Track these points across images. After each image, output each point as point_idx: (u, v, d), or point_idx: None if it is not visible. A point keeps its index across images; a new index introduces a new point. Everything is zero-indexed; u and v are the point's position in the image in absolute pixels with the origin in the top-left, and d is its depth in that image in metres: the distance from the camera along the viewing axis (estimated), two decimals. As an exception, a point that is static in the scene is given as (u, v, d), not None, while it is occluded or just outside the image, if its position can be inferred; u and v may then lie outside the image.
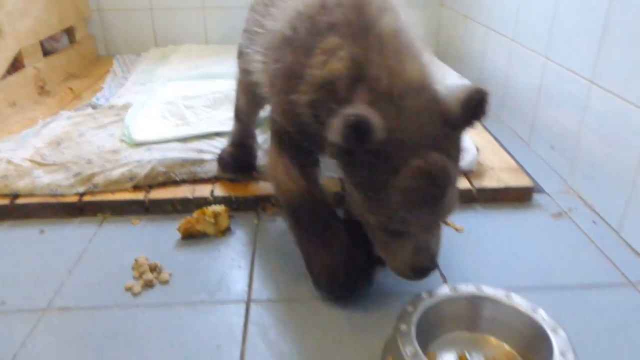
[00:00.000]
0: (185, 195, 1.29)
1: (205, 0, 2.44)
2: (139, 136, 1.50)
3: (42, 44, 2.01)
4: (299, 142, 0.91)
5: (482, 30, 1.96)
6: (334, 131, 0.75)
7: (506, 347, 0.85)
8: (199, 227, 1.18)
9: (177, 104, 1.73)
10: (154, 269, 1.06)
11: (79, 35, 2.33)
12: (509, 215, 1.25)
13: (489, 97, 0.79)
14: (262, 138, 1.46)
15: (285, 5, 0.96)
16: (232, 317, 0.95)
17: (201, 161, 1.38)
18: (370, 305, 0.96)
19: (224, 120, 1.59)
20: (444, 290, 0.87)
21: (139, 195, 1.29)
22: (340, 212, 1.02)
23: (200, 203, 1.25)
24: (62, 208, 1.27)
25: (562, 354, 0.75)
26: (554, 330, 0.78)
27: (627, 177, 1.13)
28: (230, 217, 1.22)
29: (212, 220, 1.18)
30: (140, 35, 2.49)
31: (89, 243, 1.16)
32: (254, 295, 1.00)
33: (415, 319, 0.81)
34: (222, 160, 1.36)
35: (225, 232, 1.20)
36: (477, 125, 1.62)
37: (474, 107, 0.79)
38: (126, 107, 1.75)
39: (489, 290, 0.87)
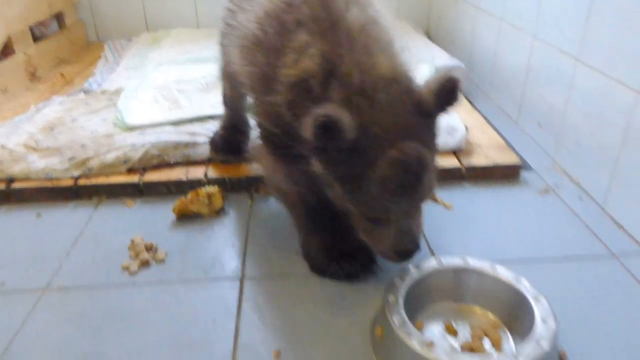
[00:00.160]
0: (180, 177, 1.31)
1: (196, -17, 2.43)
2: (132, 120, 1.51)
3: (31, 29, 2.01)
4: (285, 142, 0.91)
5: (472, 10, 1.97)
6: (306, 131, 0.77)
7: (490, 316, 0.88)
8: (193, 208, 1.20)
9: (170, 88, 1.74)
10: (149, 248, 1.09)
11: (68, 20, 2.32)
12: (497, 192, 1.28)
13: (460, 84, 0.81)
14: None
15: (256, 2, 0.95)
16: (227, 294, 0.97)
17: (194, 144, 1.40)
18: (360, 279, 0.99)
19: (216, 103, 1.59)
20: (431, 263, 0.90)
21: (134, 178, 1.31)
22: None
23: (195, 185, 1.28)
24: (58, 192, 1.29)
25: (544, 320, 0.78)
26: (536, 299, 0.82)
27: (611, 153, 1.15)
28: (223, 197, 1.24)
29: (206, 201, 1.21)
30: (130, 20, 2.49)
31: (85, 225, 1.19)
32: (247, 272, 1.03)
33: (403, 290, 0.84)
34: (213, 142, 1.38)
35: (219, 212, 1.22)
36: (466, 105, 1.65)
37: (446, 94, 0.81)
38: (118, 92, 1.76)
39: (474, 262, 0.90)
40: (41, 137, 1.44)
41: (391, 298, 0.83)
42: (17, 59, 1.88)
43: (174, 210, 1.19)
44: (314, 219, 1.00)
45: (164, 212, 1.22)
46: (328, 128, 0.75)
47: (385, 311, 0.82)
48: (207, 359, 0.84)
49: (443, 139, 1.36)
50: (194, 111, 1.57)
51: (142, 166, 1.34)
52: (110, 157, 1.34)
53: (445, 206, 1.22)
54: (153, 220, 1.20)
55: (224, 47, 1.19)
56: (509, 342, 0.83)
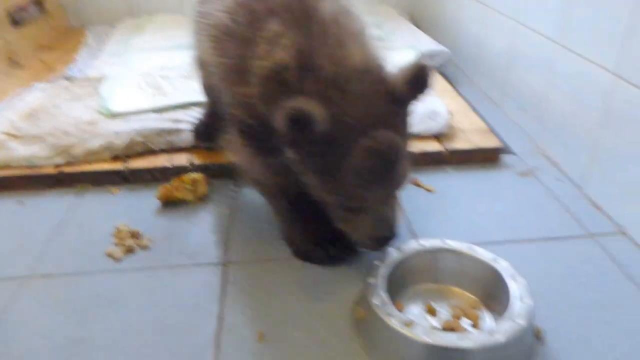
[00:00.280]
0: (164, 164, 1.31)
1: (179, -32, 2.41)
2: (116, 107, 1.50)
3: (10, 14, 1.98)
4: (261, 134, 0.90)
5: (456, -6, 1.97)
6: (278, 124, 0.77)
7: (470, 295, 0.90)
8: (178, 195, 1.21)
9: (153, 75, 1.73)
10: (134, 235, 1.09)
11: (49, 5, 2.29)
12: (479, 175, 1.30)
13: (431, 72, 0.82)
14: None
15: None
16: (211, 278, 0.98)
17: (178, 131, 1.40)
18: (343, 263, 1.00)
19: (200, 90, 1.60)
20: (411, 245, 0.92)
21: (118, 166, 1.30)
22: None
23: (179, 171, 1.27)
24: (41, 179, 1.28)
25: (520, 298, 0.80)
26: (513, 278, 0.84)
27: (589, 136, 1.17)
28: (208, 184, 1.25)
29: (191, 187, 1.21)
30: (113, 6, 2.45)
31: (68, 212, 1.19)
32: (231, 257, 1.04)
33: (383, 272, 0.86)
34: (196, 130, 1.38)
35: (204, 199, 1.23)
36: (450, 90, 1.66)
37: (418, 82, 0.82)
38: (101, 78, 1.75)
39: (453, 244, 0.92)
40: (23, 125, 1.43)
41: (372, 280, 0.85)
42: (-4, 45, 1.85)
43: (158, 197, 1.20)
44: (295, 207, 1.01)
45: (148, 199, 1.22)
46: (299, 121, 0.75)
47: (366, 293, 0.83)
48: (192, 342, 0.85)
49: (426, 124, 1.38)
50: (177, 98, 1.56)
51: (126, 153, 1.33)
52: (94, 144, 1.33)
53: (428, 190, 1.24)
54: (138, 207, 1.20)
55: (196, 35, 1.16)
56: (487, 320, 0.86)
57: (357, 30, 0.87)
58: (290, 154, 0.85)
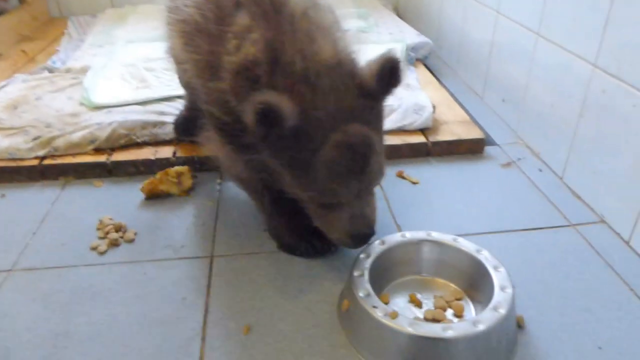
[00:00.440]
0: (148, 156, 1.30)
1: (161, -43, 2.37)
2: (98, 99, 1.49)
3: (-11, 5, 1.95)
4: (236, 130, 0.88)
5: (440, -14, 1.98)
6: (247, 118, 0.76)
7: (453, 286, 0.91)
8: (163, 188, 1.20)
9: (138, 66, 1.72)
10: (119, 228, 1.09)
11: (29, -5, 2.25)
12: (462, 166, 1.31)
13: (400, 64, 0.81)
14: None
15: None
16: (197, 271, 0.99)
17: (162, 123, 1.39)
18: (329, 256, 1.01)
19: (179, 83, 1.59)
20: (395, 238, 0.93)
21: (101, 158, 1.29)
22: None
23: (163, 164, 1.27)
24: (23, 172, 1.27)
25: (502, 288, 0.81)
26: (495, 268, 0.85)
27: (569, 126, 1.19)
28: (193, 177, 1.24)
29: (176, 180, 1.21)
30: (94, -5, 2.42)
31: (52, 205, 1.18)
32: (217, 250, 1.04)
33: (367, 264, 0.87)
34: (176, 123, 1.37)
35: (189, 191, 1.23)
36: (433, 82, 1.67)
37: (387, 75, 0.81)
38: (84, 70, 1.72)
39: (436, 235, 0.93)
40: (4, 116, 1.41)
41: (357, 272, 0.86)
42: (-25, 36, 1.82)
43: (142, 190, 1.19)
44: (279, 202, 0.99)
45: (133, 191, 1.21)
46: (268, 115, 0.75)
47: (351, 285, 0.84)
48: (178, 335, 0.85)
49: (411, 118, 1.38)
50: (161, 91, 1.55)
51: (109, 146, 1.32)
52: (77, 136, 1.32)
53: (413, 182, 1.25)
54: (122, 200, 1.20)
55: (168, 30, 1.12)
56: (470, 310, 0.87)
57: (327, 24, 0.85)
58: (262, 149, 0.84)
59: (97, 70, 1.69)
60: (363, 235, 0.87)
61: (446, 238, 0.92)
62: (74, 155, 1.30)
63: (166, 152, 1.32)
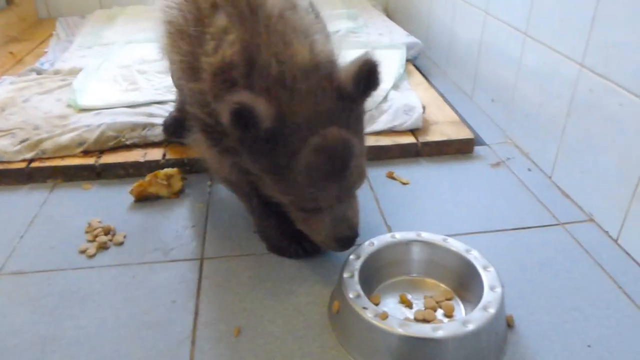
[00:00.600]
0: (137, 159, 1.29)
1: (150, -42, 2.36)
2: (85, 101, 1.48)
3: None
4: (220, 133, 0.88)
5: (429, -14, 1.98)
6: (223, 119, 0.76)
7: (443, 286, 0.91)
8: (152, 190, 1.20)
9: (131, 68, 1.71)
10: (107, 231, 1.08)
11: (16, -4, 2.23)
12: (452, 167, 1.32)
13: (378, 66, 0.80)
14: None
15: None
16: (187, 274, 0.98)
17: (152, 125, 1.38)
18: (319, 257, 1.01)
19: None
20: (385, 239, 0.93)
21: (90, 160, 1.29)
22: None
23: (153, 166, 1.26)
24: (10, 175, 1.25)
25: (491, 288, 0.82)
26: (485, 268, 0.85)
27: (557, 125, 1.20)
28: (183, 179, 1.24)
29: (165, 182, 1.20)
30: (83, -4, 2.41)
31: (40, 208, 1.17)
32: (207, 253, 1.03)
33: (358, 266, 0.87)
34: (165, 124, 1.36)
35: (179, 194, 1.22)
36: (423, 83, 1.67)
37: (365, 78, 0.80)
38: (72, 71, 1.71)
39: (426, 236, 0.93)
40: (-9, 120, 1.40)
41: (347, 274, 0.86)
42: (-39, 38, 1.80)
43: (132, 193, 1.18)
44: (268, 204, 0.98)
45: (122, 194, 1.21)
46: (242, 115, 0.74)
47: (341, 286, 0.84)
48: (167, 338, 0.85)
49: (401, 119, 1.39)
50: (149, 95, 1.54)
51: (97, 148, 1.32)
52: (65, 138, 1.31)
53: (403, 183, 1.25)
54: (111, 202, 1.19)
55: (158, 30, 1.10)
56: (461, 310, 0.87)
57: (305, 26, 0.84)
58: (242, 152, 0.83)
59: (90, 72, 1.68)
60: (346, 238, 0.86)
61: (436, 238, 0.92)
62: (62, 157, 1.29)
63: (156, 154, 1.31)
